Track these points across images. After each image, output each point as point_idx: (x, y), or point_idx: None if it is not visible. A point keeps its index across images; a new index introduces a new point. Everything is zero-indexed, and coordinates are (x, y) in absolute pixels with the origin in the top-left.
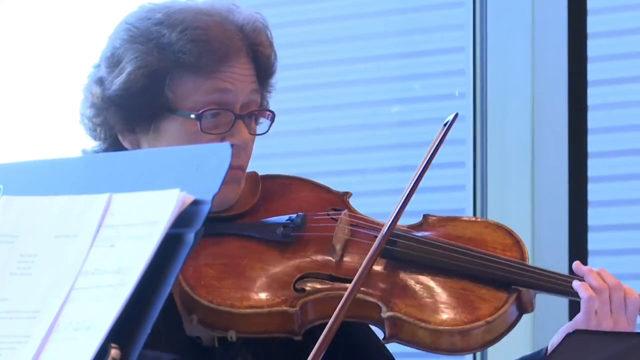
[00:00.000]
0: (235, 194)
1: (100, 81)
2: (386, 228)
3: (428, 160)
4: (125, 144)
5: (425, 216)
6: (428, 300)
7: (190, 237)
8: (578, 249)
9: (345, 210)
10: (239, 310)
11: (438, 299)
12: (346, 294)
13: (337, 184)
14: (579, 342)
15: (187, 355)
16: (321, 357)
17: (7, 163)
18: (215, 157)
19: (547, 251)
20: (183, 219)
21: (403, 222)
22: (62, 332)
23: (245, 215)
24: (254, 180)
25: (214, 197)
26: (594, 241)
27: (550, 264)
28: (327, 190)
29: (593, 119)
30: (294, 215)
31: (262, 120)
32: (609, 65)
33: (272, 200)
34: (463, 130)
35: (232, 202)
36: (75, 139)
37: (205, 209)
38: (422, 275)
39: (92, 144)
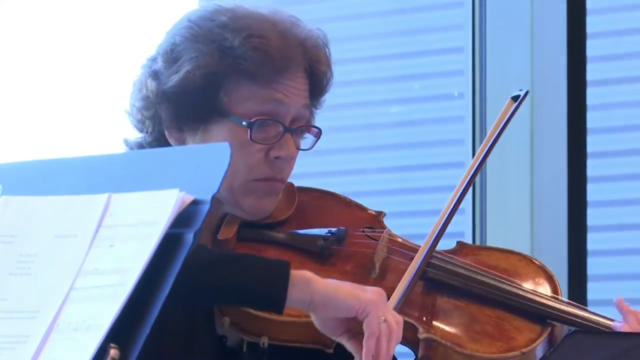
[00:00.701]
0: (273, 206)
1: (155, 75)
2: (438, 230)
3: (495, 139)
4: (171, 140)
5: (460, 243)
6: (464, 326)
7: (189, 237)
8: (577, 249)
9: (387, 230)
10: (275, 318)
11: (474, 325)
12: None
13: (336, 184)
14: (578, 342)
15: (214, 354)
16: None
17: (6, 163)
18: (214, 157)
19: (547, 251)
20: (182, 219)
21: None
22: (62, 332)
23: (281, 225)
24: (290, 191)
25: (213, 197)
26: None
27: (549, 263)
28: (362, 208)
29: (592, 119)
30: (334, 229)
31: (306, 135)
32: (609, 65)
33: (307, 213)
34: (462, 130)
35: (269, 213)
36: (81, 138)
37: (205, 209)
38: (460, 300)
39: (135, 134)
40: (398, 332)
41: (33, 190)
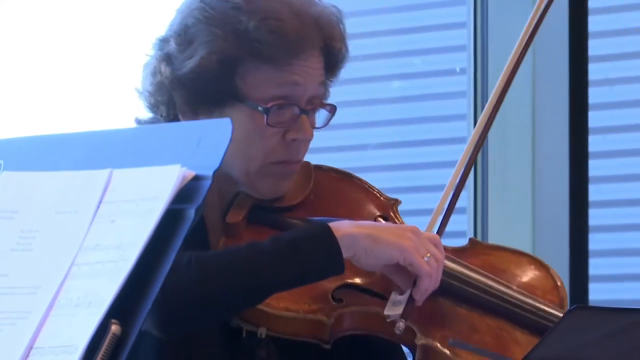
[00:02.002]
0: (287, 187)
1: (169, 59)
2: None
3: (531, 34)
4: None
5: (472, 240)
6: (464, 335)
7: (190, 212)
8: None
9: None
10: (274, 311)
11: (474, 335)
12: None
13: (337, 160)
14: (580, 318)
15: (216, 334)
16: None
17: (7, 139)
18: (216, 132)
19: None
20: (184, 195)
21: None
22: (63, 308)
23: (293, 209)
24: (306, 171)
25: (214, 172)
26: (594, 217)
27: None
28: (378, 194)
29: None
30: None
31: (322, 111)
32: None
33: (322, 197)
34: (463, 106)
35: (282, 194)
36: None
37: (206, 185)
38: (461, 307)
39: (146, 114)
40: (442, 257)
41: (34, 166)
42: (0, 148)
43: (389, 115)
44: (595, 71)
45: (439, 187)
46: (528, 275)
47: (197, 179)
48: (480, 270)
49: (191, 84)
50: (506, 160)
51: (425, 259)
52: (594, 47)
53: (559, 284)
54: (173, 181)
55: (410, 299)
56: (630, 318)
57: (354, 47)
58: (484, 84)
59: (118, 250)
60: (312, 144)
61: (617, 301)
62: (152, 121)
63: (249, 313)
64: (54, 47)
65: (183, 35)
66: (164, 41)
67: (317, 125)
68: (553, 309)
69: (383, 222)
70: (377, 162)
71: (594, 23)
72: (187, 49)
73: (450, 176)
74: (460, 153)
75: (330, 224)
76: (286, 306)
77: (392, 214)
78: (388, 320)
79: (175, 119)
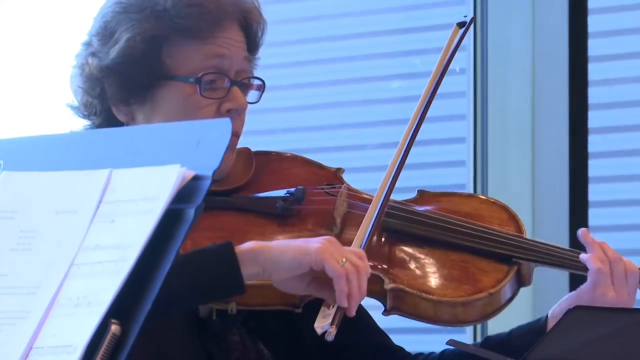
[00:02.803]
0: (230, 162)
1: (94, 54)
2: (391, 176)
3: (445, 66)
4: (120, 116)
5: (421, 191)
6: (430, 272)
7: (190, 212)
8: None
9: (345, 185)
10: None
11: (440, 271)
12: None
13: (337, 160)
14: (580, 318)
15: (185, 325)
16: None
17: (7, 139)
18: (215, 132)
19: (548, 232)
20: (183, 195)
21: (397, 197)
22: (62, 308)
23: (240, 190)
24: (247, 156)
25: (214, 172)
26: (594, 217)
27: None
28: (320, 166)
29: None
30: (293, 189)
31: (251, 91)
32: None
33: (266, 176)
34: (463, 106)
35: (227, 171)
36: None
37: (206, 185)
38: (423, 248)
39: (82, 123)
40: (364, 267)
41: (34, 165)
42: (0, 148)
43: (388, 115)
44: (595, 71)
45: (438, 187)
46: (481, 211)
47: (196, 178)
48: (433, 211)
49: (120, 67)
50: (506, 160)
51: (341, 263)
52: (594, 47)
53: (514, 214)
54: (173, 181)
55: (340, 308)
56: (628, 318)
57: (353, 47)
58: (484, 84)
59: (118, 250)
60: (311, 144)
61: None
62: (88, 128)
63: None
64: (54, 47)
65: (104, 31)
66: (87, 44)
67: (249, 100)
68: (513, 234)
69: (327, 187)
70: (376, 162)
71: (594, 23)
72: (109, 40)
73: (449, 175)
74: (460, 153)
75: (237, 246)
76: None
77: (337, 180)
78: (319, 333)
79: (109, 115)
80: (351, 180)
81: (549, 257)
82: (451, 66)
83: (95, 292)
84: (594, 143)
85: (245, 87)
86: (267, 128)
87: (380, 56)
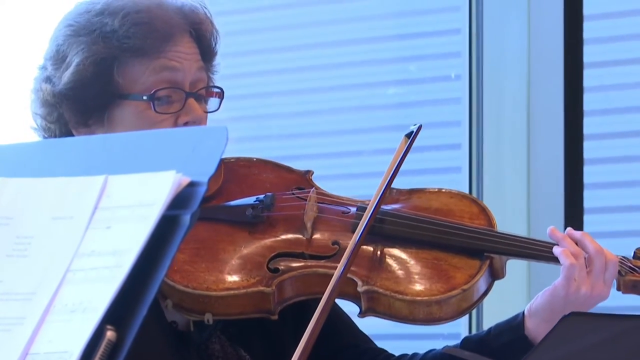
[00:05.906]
0: None
1: (48, 79)
2: (371, 210)
3: (393, 173)
4: None
5: (390, 189)
6: (402, 272)
7: (186, 218)
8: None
9: (313, 189)
10: (215, 293)
11: (412, 270)
12: (337, 273)
13: (333, 166)
14: (574, 324)
15: (166, 339)
16: (315, 337)
17: (3, 145)
18: (211, 139)
19: (543, 238)
20: (179, 201)
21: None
22: (58, 314)
23: (210, 200)
24: None
25: (210, 179)
26: (589, 223)
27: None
28: (289, 170)
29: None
30: (262, 196)
31: (211, 99)
32: (606, 70)
33: (235, 183)
34: (459, 112)
35: None
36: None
37: (201, 191)
38: (394, 248)
39: None
40: None
41: (30, 171)
42: None
43: (384, 121)
44: (590, 77)
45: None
46: (451, 206)
47: (192, 185)
48: (403, 210)
49: (73, 93)
50: (501, 166)
51: None
52: (589, 53)
53: (484, 206)
54: (168, 187)
55: None
56: (624, 325)
57: (349, 53)
58: (479, 91)
59: (113, 256)
60: (307, 150)
61: (612, 308)
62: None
63: (191, 302)
64: None
65: (56, 55)
66: (42, 68)
67: (209, 109)
68: (483, 228)
69: (297, 192)
70: (373, 168)
71: (589, 29)
72: (62, 64)
73: (444, 182)
74: (456, 160)
75: None
76: (225, 286)
77: (306, 183)
78: None
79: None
80: (347, 186)
81: (520, 249)
82: (446, 73)
83: (90, 298)
84: (590, 149)
85: (203, 97)
86: (262, 134)
87: (376, 62)
